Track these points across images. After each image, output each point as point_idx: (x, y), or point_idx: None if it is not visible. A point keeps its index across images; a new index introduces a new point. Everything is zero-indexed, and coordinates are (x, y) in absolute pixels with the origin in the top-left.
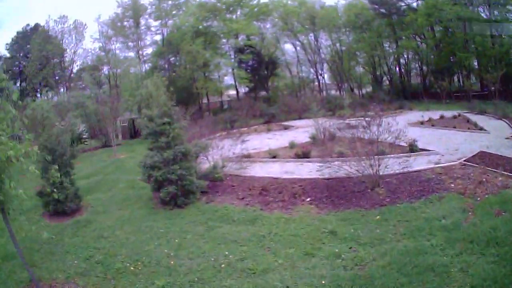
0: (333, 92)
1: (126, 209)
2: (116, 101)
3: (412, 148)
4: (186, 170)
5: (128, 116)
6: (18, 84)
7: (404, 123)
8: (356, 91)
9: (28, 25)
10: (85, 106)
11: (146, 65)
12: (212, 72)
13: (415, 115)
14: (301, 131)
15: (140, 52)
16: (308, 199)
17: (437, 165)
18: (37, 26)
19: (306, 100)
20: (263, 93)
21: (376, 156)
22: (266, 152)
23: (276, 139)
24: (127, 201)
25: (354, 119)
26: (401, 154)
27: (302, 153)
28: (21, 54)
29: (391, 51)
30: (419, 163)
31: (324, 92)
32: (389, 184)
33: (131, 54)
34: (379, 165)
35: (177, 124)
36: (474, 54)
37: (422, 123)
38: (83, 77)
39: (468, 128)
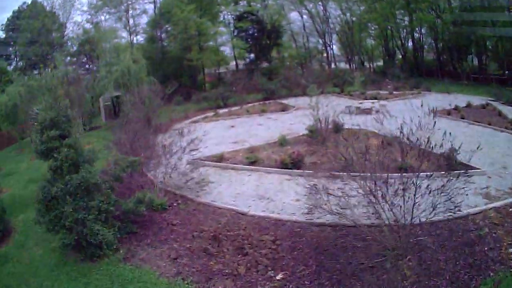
0: (342, 65)
1: (43, 246)
2: (82, 81)
3: (450, 162)
4: (88, 212)
5: (112, 94)
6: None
7: (428, 112)
8: (366, 64)
9: (24, 3)
10: (52, 89)
11: (138, 36)
12: (207, 42)
13: (436, 99)
14: (300, 114)
15: (131, 22)
16: (280, 276)
17: (489, 205)
18: (34, 2)
19: (302, 80)
20: (266, 64)
21: (404, 174)
22: (246, 151)
23: (267, 127)
24: None
25: (367, 101)
26: (436, 173)
27: (291, 160)
28: (17, 34)
29: (404, 24)
30: (460, 190)
31: (333, 64)
32: (421, 249)
33: (120, 25)
34: (411, 216)
35: (70, 140)
36: (496, 35)
37: (449, 113)
38: (55, 56)
39: (506, 127)
